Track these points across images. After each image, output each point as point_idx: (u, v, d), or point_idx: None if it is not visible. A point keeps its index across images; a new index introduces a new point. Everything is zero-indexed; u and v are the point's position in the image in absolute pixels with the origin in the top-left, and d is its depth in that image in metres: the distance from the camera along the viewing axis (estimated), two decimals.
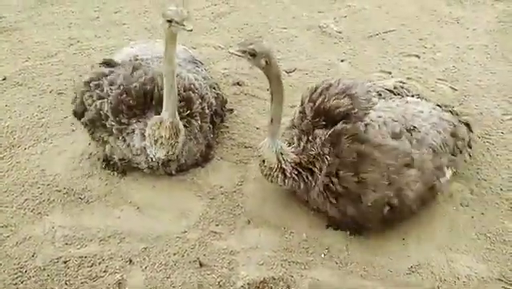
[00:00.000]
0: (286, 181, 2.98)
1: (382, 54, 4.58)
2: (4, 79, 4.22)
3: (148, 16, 5.10)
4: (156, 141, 3.11)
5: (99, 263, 2.92)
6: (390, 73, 4.34)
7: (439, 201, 3.20)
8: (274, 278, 2.85)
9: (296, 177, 2.96)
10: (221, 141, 3.68)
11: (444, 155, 3.01)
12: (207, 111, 3.41)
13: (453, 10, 5.14)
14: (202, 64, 3.91)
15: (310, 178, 2.94)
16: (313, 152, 2.90)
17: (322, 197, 2.92)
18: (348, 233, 3.05)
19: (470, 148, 3.35)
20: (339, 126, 2.87)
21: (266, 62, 2.64)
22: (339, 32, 4.86)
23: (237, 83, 4.22)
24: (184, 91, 3.27)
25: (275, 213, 3.20)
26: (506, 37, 4.73)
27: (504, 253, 2.96)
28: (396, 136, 2.86)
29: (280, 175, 2.96)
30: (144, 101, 3.22)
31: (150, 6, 5.24)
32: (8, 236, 3.05)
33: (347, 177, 2.79)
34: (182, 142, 3.20)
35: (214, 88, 3.65)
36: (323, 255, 2.97)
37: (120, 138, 3.24)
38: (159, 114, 3.14)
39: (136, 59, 3.53)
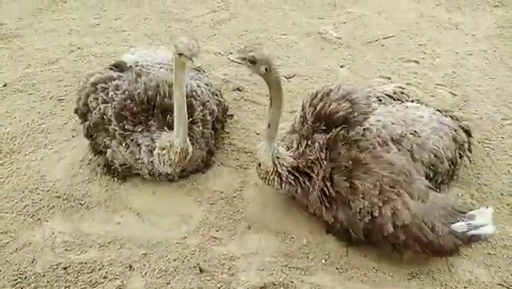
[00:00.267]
0: (283, 184, 2.98)
1: (381, 59, 4.60)
2: (5, 86, 4.24)
3: (149, 23, 5.13)
4: (164, 162, 3.14)
5: (99, 269, 2.91)
6: (390, 78, 4.35)
7: None
8: (275, 284, 2.83)
9: (293, 182, 2.96)
10: (221, 147, 3.69)
11: (445, 162, 3.01)
12: (208, 117, 3.42)
13: (452, 16, 5.17)
14: (204, 72, 3.93)
15: (307, 183, 2.94)
16: (311, 157, 2.90)
17: (318, 202, 2.92)
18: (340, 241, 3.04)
19: (470, 152, 3.35)
20: (336, 130, 2.87)
21: (266, 69, 2.65)
22: (339, 38, 4.89)
23: (238, 89, 4.23)
24: (186, 98, 3.28)
25: (276, 219, 3.20)
26: (505, 42, 4.76)
27: (505, 258, 2.95)
28: (395, 139, 2.86)
29: (276, 178, 2.97)
30: (148, 108, 3.23)
31: (150, 13, 5.27)
32: (8, 242, 3.05)
33: (339, 182, 2.80)
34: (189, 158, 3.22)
35: (217, 95, 3.67)
36: (323, 261, 2.96)
37: (123, 144, 3.24)
38: (161, 122, 3.17)
39: (137, 66, 3.56)
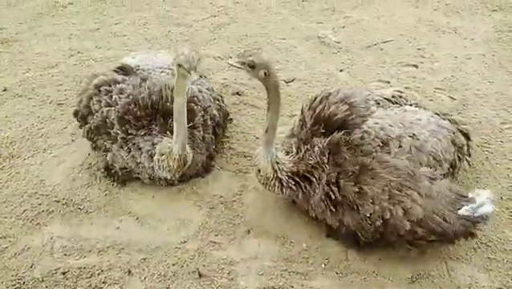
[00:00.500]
0: (284, 189, 2.98)
1: (380, 64, 4.61)
2: (4, 90, 4.24)
3: (149, 27, 5.14)
4: (164, 167, 3.14)
5: (98, 274, 2.90)
6: (389, 82, 4.36)
7: None
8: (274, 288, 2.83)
9: (294, 186, 2.95)
10: (220, 151, 3.69)
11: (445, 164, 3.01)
12: (209, 122, 3.42)
13: (450, 21, 5.19)
14: (206, 77, 3.94)
15: (308, 187, 2.94)
16: (311, 162, 2.90)
17: (323, 206, 2.91)
18: (345, 245, 3.04)
19: (470, 156, 3.35)
20: (338, 134, 2.87)
21: (265, 73, 2.66)
22: (338, 42, 4.90)
23: (237, 93, 4.24)
24: (187, 103, 3.28)
25: (275, 223, 3.20)
26: (504, 46, 4.77)
27: (505, 262, 2.94)
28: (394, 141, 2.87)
29: (277, 184, 2.96)
30: (152, 112, 3.23)
31: (150, 17, 5.28)
32: (6, 247, 3.04)
33: (347, 187, 2.79)
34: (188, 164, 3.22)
35: (218, 100, 3.67)
36: (323, 265, 2.96)
37: (125, 148, 3.23)
38: (163, 126, 3.18)
39: (137, 70, 3.56)
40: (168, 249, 3.04)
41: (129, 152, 3.23)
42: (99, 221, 3.21)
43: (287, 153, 3.03)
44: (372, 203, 2.75)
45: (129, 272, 2.92)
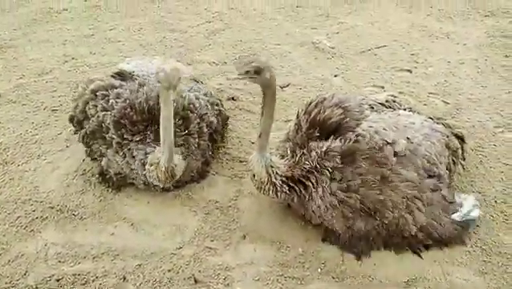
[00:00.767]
0: (279, 194, 2.97)
1: (374, 69, 4.65)
2: None
3: (143, 33, 5.15)
4: (153, 178, 3.12)
5: (93, 281, 2.87)
6: (383, 87, 4.39)
7: None
8: None
9: (288, 191, 2.95)
10: (216, 156, 3.69)
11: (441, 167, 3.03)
12: (205, 129, 3.40)
13: (443, 26, 5.25)
14: (202, 83, 3.93)
15: (303, 192, 2.93)
16: (307, 166, 2.90)
17: (333, 211, 2.91)
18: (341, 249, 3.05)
19: (464, 160, 3.37)
20: (350, 143, 2.87)
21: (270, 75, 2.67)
22: (332, 48, 4.93)
23: (232, 98, 4.25)
24: (183, 110, 3.28)
25: (271, 228, 3.19)
26: (496, 51, 4.82)
27: (500, 265, 2.95)
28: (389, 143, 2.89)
29: (272, 188, 2.95)
30: (148, 118, 3.20)
31: (145, 23, 5.30)
32: (0, 254, 3.01)
33: (370, 196, 2.84)
34: (179, 174, 3.19)
35: (217, 105, 3.65)
36: (319, 270, 2.95)
37: (120, 153, 3.22)
38: (158, 134, 3.13)
39: (132, 75, 3.55)
40: (164, 255, 3.03)
41: (124, 157, 3.22)
42: (93, 228, 3.18)
43: (282, 157, 3.03)
44: (392, 211, 2.87)
45: (124, 278, 2.89)
